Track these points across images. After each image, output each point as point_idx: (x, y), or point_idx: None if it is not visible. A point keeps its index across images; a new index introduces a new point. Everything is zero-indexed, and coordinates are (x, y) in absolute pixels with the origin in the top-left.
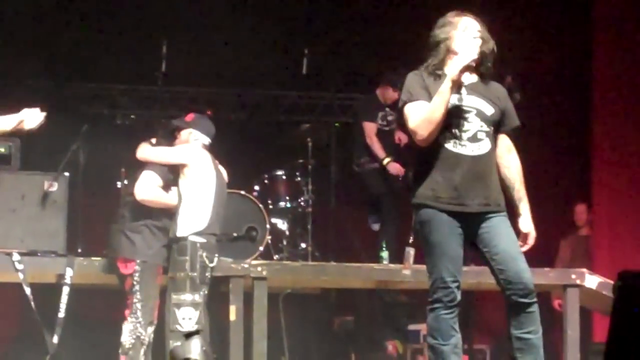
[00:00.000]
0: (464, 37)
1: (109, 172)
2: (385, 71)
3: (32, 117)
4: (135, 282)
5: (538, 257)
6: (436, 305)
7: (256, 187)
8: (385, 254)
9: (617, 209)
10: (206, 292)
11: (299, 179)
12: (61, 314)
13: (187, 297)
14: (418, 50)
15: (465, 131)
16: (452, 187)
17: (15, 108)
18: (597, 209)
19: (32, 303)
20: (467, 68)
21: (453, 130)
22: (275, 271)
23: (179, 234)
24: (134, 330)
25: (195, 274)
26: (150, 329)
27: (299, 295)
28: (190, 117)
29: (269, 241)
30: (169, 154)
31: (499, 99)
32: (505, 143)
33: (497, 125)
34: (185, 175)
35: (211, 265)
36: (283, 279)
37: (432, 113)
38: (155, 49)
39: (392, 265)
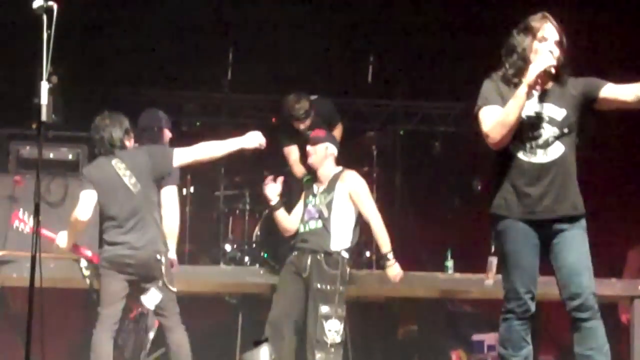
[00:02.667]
0: (542, 47)
1: None
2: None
3: (254, 139)
4: None
5: (606, 267)
6: (508, 315)
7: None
8: (450, 262)
9: None
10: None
11: None
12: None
13: (336, 310)
14: (476, 58)
15: (535, 139)
16: (523, 196)
17: (83, 116)
18: None
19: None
20: (544, 74)
21: (524, 139)
22: None
23: (334, 248)
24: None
25: (343, 288)
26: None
27: (363, 304)
28: (322, 131)
29: None
30: (209, 150)
31: (574, 94)
32: (615, 90)
33: (574, 127)
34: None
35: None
36: (347, 287)
37: (506, 116)
38: (222, 56)
39: (457, 275)
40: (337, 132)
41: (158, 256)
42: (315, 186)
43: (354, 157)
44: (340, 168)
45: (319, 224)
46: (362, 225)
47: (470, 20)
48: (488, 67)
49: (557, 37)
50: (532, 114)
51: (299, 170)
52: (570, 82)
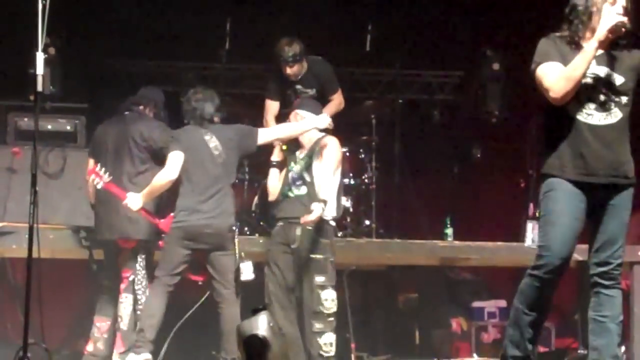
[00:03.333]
0: (612, 10)
1: None
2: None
3: (325, 120)
4: None
5: None
6: (534, 272)
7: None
8: (449, 230)
9: None
10: None
11: (362, 155)
12: None
13: (330, 279)
14: (475, 27)
15: (593, 101)
16: (578, 156)
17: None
18: None
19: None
20: (614, 30)
21: (582, 100)
22: (340, 248)
23: (324, 216)
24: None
25: (333, 257)
26: None
27: (363, 272)
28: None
29: None
30: (289, 130)
31: (632, 66)
32: None
33: (630, 94)
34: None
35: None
36: (347, 255)
37: (572, 71)
38: (219, 27)
39: (456, 242)
40: (336, 101)
41: (233, 227)
42: (297, 152)
43: (352, 126)
44: (322, 134)
45: (303, 190)
46: (360, 195)
47: None
48: (487, 36)
49: (625, 3)
50: (592, 75)
51: (274, 125)
52: (629, 53)
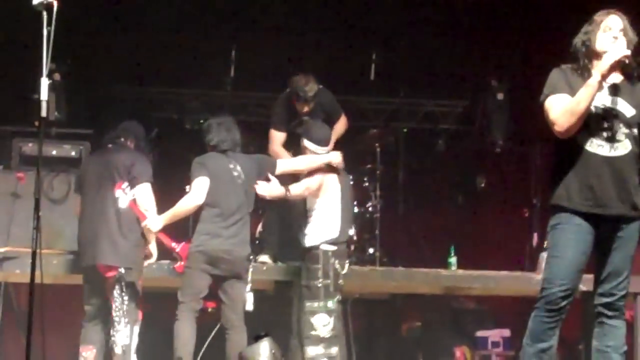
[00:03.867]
0: (606, 37)
1: (178, 175)
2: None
3: (337, 157)
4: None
5: None
6: (537, 304)
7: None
8: (453, 259)
9: None
10: (340, 298)
11: (367, 184)
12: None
13: (321, 304)
14: (479, 57)
15: (603, 132)
16: (587, 188)
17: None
18: None
19: None
20: (617, 64)
21: (592, 131)
22: (344, 276)
23: (309, 243)
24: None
25: (328, 281)
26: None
27: (367, 300)
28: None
29: None
30: (305, 163)
31: None
32: None
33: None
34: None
35: (343, 272)
36: (351, 284)
37: (576, 105)
38: (225, 55)
39: (460, 271)
40: (341, 124)
41: (250, 256)
42: None
43: (357, 155)
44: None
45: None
46: (364, 223)
47: (474, 18)
48: (492, 65)
49: (621, 25)
50: (601, 106)
51: (283, 155)
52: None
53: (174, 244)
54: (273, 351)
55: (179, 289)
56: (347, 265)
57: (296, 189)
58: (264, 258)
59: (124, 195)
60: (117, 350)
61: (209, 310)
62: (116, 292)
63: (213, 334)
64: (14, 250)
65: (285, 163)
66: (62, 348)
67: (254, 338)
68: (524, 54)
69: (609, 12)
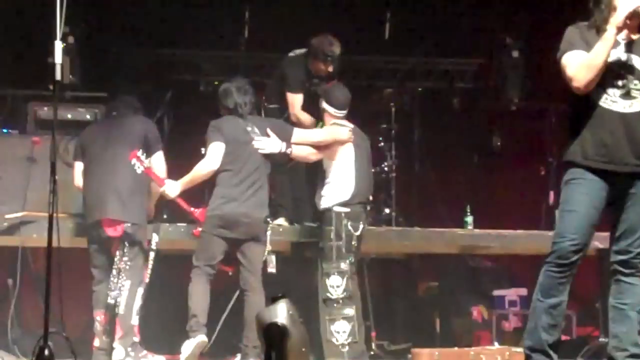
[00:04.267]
0: None
1: (194, 137)
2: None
3: (348, 134)
4: None
5: None
6: (548, 259)
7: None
8: (469, 218)
9: None
10: (353, 260)
11: (382, 144)
12: (146, 279)
13: (334, 265)
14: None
15: (618, 88)
16: (601, 144)
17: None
18: None
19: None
20: (632, 16)
21: (606, 86)
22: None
23: (324, 205)
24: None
25: (340, 242)
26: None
27: (383, 260)
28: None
29: None
30: (320, 136)
31: None
32: None
33: None
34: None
35: (357, 233)
36: (367, 244)
37: (593, 59)
38: (238, 16)
39: (476, 230)
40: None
41: (267, 218)
42: None
43: (372, 115)
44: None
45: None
46: (379, 183)
47: None
48: (507, 23)
49: None
50: (616, 62)
51: (305, 118)
52: None
53: (193, 209)
54: (290, 312)
55: (194, 252)
56: (361, 227)
57: (299, 151)
58: (280, 221)
59: (138, 163)
60: (120, 310)
61: (230, 274)
62: (120, 251)
63: (233, 300)
64: (30, 214)
65: (302, 134)
66: (80, 311)
67: (271, 299)
68: (539, 12)
69: None
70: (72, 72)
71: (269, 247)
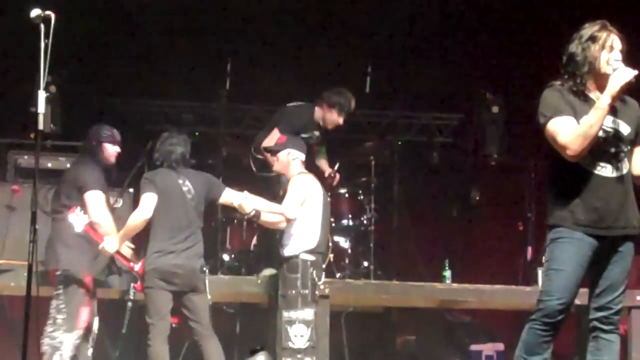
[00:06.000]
0: (611, 57)
1: None
2: (326, 92)
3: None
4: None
5: None
6: (533, 316)
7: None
8: (447, 273)
9: None
10: (316, 309)
11: (361, 197)
12: (124, 330)
13: (298, 314)
14: (473, 70)
15: (605, 152)
16: (592, 210)
17: (82, 126)
18: None
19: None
20: (626, 86)
21: (593, 152)
22: (338, 289)
23: (289, 252)
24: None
25: (306, 291)
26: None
27: (361, 313)
28: (282, 138)
29: (332, 259)
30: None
31: (635, 116)
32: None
33: (632, 144)
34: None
35: (319, 283)
36: (345, 297)
37: (589, 129)
38: (220, 68)
39: (454, 285)
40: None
41: (204, 268)
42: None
43: (352, 168)
44: (300, 172)
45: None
46: (358, 236)
47: (470, 32)
48: (487, 79)
49: (620, 45)
50: (604, 128)
51: None
52: (632, 105)
53: (132, 264)
54: None
55: (145, 311)
56: (323, 276)
57: (267, 218)
58: (269, 271)
59: (77, 219)
60: (46, 356)
61: (173, 325)
62: (56, 291)
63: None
64: (8, 262)
65: (234, 195)
66: None
67: (250, 352)
68: (518, 68)
69: (607, 28)
70: (53, 121)
71: (209, 297)
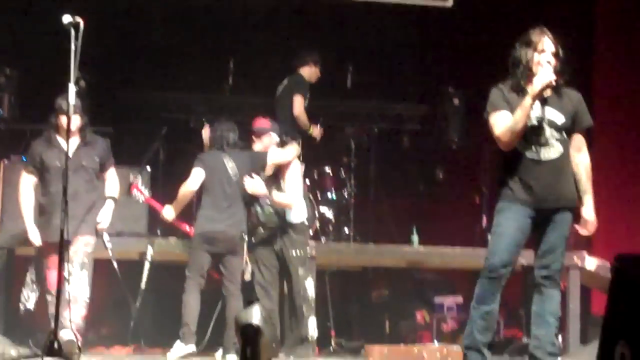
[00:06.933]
0: (542, 59)
1: (184, 167)
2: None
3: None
4: None
5: None
6: (482, 273)
7: (307, 181)
8: (415, 237)
9: (614, 196)
10: None
11: (343, 175)
12: (143, 286)
13: (308, 270)
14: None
15: (539, 139)
16: (528, 189)
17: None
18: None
19: (119, 276)
20: (546, 87)
21: (528, 139)
22: (323, 252)
23: (297, 219)
24: None
25: (308, 252)
26: None
27: (343, 272)
28: (266, 121)
29: (318, 227)
30: (291, 154)
31: (571, 106)
32: (576, 142)
33: (569, 130)
34: (293, 171)
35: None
36: (329, 258)
37: (515, 124)
38: (224, 64)
39: (421, 248)
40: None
41: (243, 235)
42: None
43: (335, 150)
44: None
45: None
46: (340, 207)
47: (438, 36)
48: (450, 75)
49: (553, 49)
50: (538, 118)
51: (304, 119)
52: (568, 93)
53: (187, 228)
54: (263, 314)
55: (186, 266)
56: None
57: (279, 199)
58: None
59: (139, 195)
60: None
61: (216, 278)
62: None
63: (219, 307)
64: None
65: (276, 155)
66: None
67: (247, 302)
68: (477, 67)
69: (544, 32)
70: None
71: (246, 259)
